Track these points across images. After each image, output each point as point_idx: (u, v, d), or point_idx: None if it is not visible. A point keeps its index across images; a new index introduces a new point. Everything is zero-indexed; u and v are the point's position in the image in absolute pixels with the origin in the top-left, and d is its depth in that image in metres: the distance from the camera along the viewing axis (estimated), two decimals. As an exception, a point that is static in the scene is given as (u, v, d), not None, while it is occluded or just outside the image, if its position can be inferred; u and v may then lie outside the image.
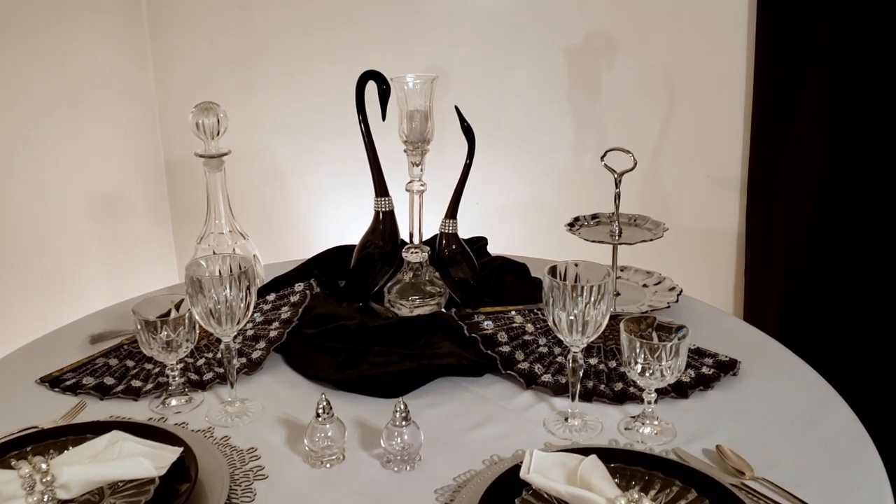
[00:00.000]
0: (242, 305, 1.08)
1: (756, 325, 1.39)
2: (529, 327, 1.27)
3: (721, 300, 2.03)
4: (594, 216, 1.48)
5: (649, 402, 1.05)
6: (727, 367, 1.18)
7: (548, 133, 2.06)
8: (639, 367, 1.02)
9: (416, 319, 1.29)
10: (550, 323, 1.05)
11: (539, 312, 1.30)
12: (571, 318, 1.03)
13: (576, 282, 1.04)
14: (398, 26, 2.06)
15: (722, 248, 2.01)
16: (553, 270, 1.05)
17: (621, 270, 1.48)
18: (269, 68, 2.17)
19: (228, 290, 1.07)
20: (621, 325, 1.04)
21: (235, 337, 1.18)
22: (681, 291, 1.41)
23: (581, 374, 1.06)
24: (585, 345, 1.05)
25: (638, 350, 1.02)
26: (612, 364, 1.19)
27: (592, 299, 1.01)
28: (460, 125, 1.28)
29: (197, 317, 1.08)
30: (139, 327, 1.12)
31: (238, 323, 1.09)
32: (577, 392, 1.06)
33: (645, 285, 1.47)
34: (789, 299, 1.89)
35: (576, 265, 1.07)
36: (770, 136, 1.85)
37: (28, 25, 1.91)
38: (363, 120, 1.30)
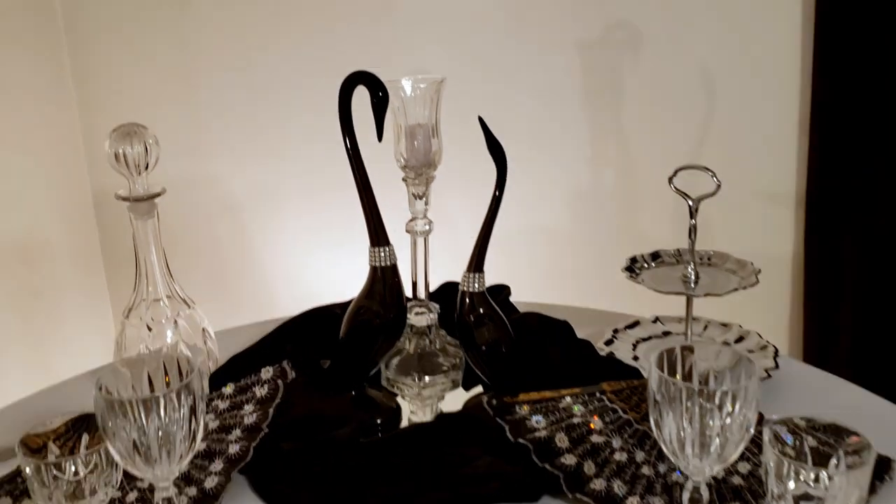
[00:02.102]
0: (183, 432, 0.70)
1: (821, 367, 1.09)
2: (596, 422, 0.90)
3: (774, 336, 1.69)
4: (655, 255, 1.12)
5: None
6: (879, 469, 0.83)
7: (558, 146, 1.71)
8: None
9: (433, 426, 0.93)
10: (664, 443, 0.69)
11: (604, 398, 0.94)
12: (695, 434, 0.67)
13: (705, 384, 0.68)
14: (374, 21, 1.69)
15: (774, 275, 1.67)
16: (662, 360, 0.69)
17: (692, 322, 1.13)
18: (216, 77, 1.78)
19: (163, 412, 0.69)
20: (766, 436, 0.68)
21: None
22: (777, 353, 1.07)
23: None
24: (714, 473, 0.69)
25: (799, 474, 0.66)
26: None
27: (737, 409, 0.66)
28: (487, 143, 0.92)
29: (114, 453, 0.70)
30: (27, 471, 0.73)
31: (180, 459, 0.71)
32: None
33: (726, 342, 1.12)
34: (864, 337, 1.56)
35: (690, 350, 0.71)
36: (836, 143, 1.52)
37: None
38: (351, 144, 0.92)
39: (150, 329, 1.04)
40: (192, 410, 0.70)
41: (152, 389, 0.74)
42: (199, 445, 0.90)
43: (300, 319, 1.15)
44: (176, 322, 1.06)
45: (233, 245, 1.85)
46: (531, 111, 1.69)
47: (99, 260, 1.93)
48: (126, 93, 1.80)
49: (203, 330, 1.06)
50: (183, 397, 0.69)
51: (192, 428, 0.71)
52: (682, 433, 0.66)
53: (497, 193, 0.93)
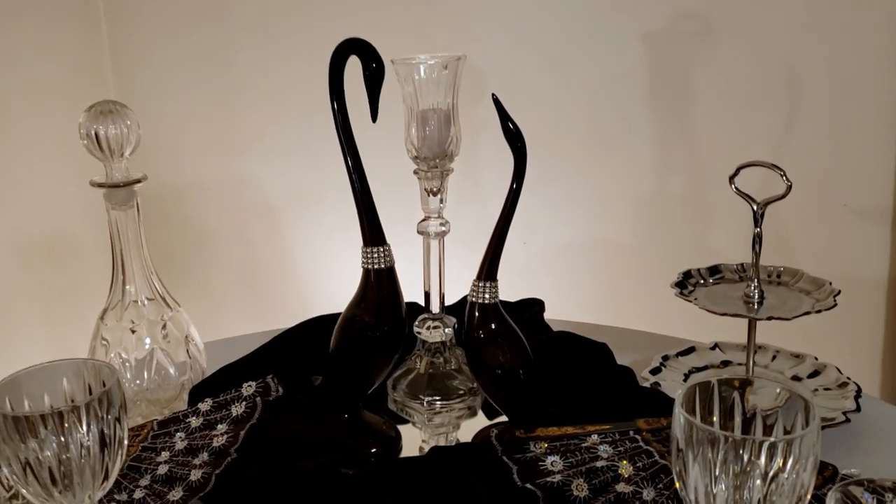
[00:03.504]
0: (96, 457, 0.58)
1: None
2: (625, 467, 0.74)
3: (858, 372, 1.47)
4: (714, 270, 0.95)
5: None
6: None
7: (620, 149, 1.54)
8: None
9: (425, 460, 0.78)
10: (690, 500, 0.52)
11: (639, 438, 0.78)
12: (729, 495, 0.50)
13: (747, 430, 0.52)
14: (418, 14, 1.56)
15: (861, 300, 1.46)
16: (693, 397, 0.53)
17: (756, 351, 0.95)
18: (252, 71, 1.68)
19: (71, 431, 0.57)
20: (832, 500, 0.51)
21: (138, 480, 0.69)
22: (859, 392, 0.88)
23: None
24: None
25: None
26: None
27: (788, 466, 0.49)
28: (502, 128, 0.77)
29: (7, 475, 0.58)
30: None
31: (98, 488, 0.59)
32: None
33: (797, 377, 0.94)
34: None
35: (733, 384, 0.54)
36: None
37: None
38: (342, 121, 0.79)
39: (133, 332, 0.93)
40: (103, 434, 0.58)
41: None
42: (160, 461, 0.79)
43: (294, 332, 1.02)
44: (165, 325, 0.94)
45: (266, 248, 1.74)
46: (587, 110, 1.53)
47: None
48: (162, 91, 1.72)
49: (186, 337, 0.94)
50: (88, 416, 0.57)
51: (105, 454, 0.58)
52: (710, 493, 0.50)
53: (514, 186, 0.77)
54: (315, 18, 1.58)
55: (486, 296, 0.80)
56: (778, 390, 0.55)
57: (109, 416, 0.59)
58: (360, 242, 0.83)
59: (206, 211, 1.73)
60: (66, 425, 0.57)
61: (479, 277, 0.80)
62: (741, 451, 0.49)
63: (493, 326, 0.81)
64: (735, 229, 1.52)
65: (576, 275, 1.59)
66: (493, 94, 0.76)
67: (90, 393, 0.63)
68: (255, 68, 1.65)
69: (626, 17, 1.47)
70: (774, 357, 0.98)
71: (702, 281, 0.94)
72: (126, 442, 0.61)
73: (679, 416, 0.51)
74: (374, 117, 0.77)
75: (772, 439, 0.49)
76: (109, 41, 1.73)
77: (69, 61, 1.68)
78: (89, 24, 1.74)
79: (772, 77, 1.43)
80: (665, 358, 0.98)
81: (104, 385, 0.61)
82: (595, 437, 0.78)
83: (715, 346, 1.01)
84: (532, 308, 1.05)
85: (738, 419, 0.55)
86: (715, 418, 0.55)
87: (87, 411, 0.58)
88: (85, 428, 0.58)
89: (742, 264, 0.95)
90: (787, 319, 0.82)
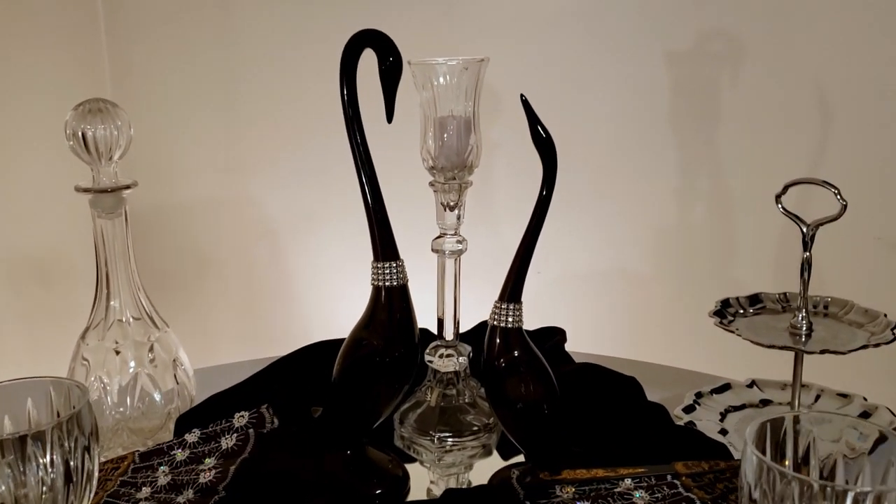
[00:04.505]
0: (59, 493, 0.49)
1: None
2: (664, 517, 0.65)
3: None
4: (754, 299, 0.87)
5: None
6: None
7: (641, 173, 1.46)
8: None
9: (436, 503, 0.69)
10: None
11: (677, 483, 0.69)
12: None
13: (831, 477, 0.44)
14: (435, 27, 1.50)
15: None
16: (764, 435, 0.45)
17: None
18: (256, 84, 1.62)
19: (30, 459, 0.49)
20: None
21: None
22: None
23: None
24: None
25: None
26: None
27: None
28: (531, 132, 0.69)
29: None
30: None
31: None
32: None
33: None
34: None
35: (797, 421, 0.46)
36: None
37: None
38: (353, 119, 0.71)
39: (117, 353, 0.85)
40: (69, 466, 0.49)
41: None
42: (140, 498, 0.70)
43: (300, 354, 0.93)
44: (152, 347, 0.86)
45: (266, 269, 1.66)
46: (607, 132, 1.45)
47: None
48: (163, 103, 1.65)
49: (175, 361, 0.85)
50: (52, 444, 0.48)
51: (70, 491, 0.50)
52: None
53: (544, 193, 0.69)
54: (323, 31, 1.52)
55: (510, 319, 0.72)
56: (853, 425, 0.47)
57: (77, 445, 0.50)
58: (367, 264, 0.75)
59: (203, 229, 1.66)
60: (26, 453, 0.49)
61: (501, 298, 0.72)
62: (827, 501, 0.41)
63: (515, 354, 0.72)
64: (759, 261, 1.45)
65: (592, 305, 1.51)
66: (521, 95, 0.69)
67: (59, 417, 0.54)
68: (260, 81, 1.58)
69: (650, 35, 1.40)
70: (818, 397, 0.89)
71: (741, 311, 0.86)
72: (96, 476, 0.52)
73: (752, 457, 0.43)
74: (389, 117, 0.69)
75: (867, 488, 0.41)
76: (109, 55, 1.67)
77: (67, 71, 1.62)
78: (87, 39, 1.68)
79: (802, 102, 1.35)
80: (699, 395, 0.90)
81: (74, 408, 0.53)
82: (628, 482, 0.70)
83: (752, 384, 0.92)
84: (552, 337, 0.97)
85: (815, 463, 0.46)
86: (788, 462, 0.46)
87: (51, 437, 0.49)
88: (48, 458, 0.50)
89: (785, 294, 0.87)
90: (843, 353, 0.74)
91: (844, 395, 0.88)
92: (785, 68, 1.35)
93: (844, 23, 1.31)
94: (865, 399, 0.88)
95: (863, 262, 1.38)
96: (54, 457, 0.49)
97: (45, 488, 0.50)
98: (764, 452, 0.46)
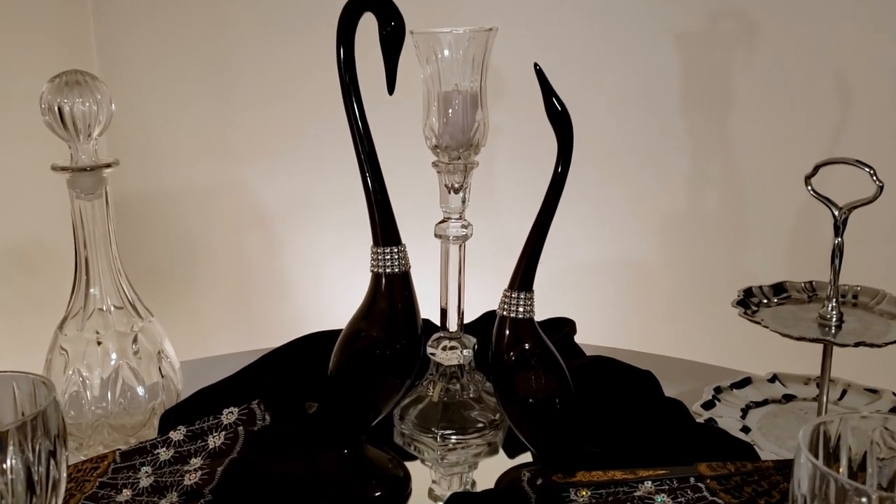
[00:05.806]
0: (20, 502, 0.44)
1: None
2: (689, 524, 0.60)
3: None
4: (778, 288, 0.82)
5: None
6: None
7: (649, 160, 1.41)
8: None
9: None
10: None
11: (702, 486, 0.64)
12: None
13: (891, 488, 0.38)
14: (436, 19, 1.44)
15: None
16: (816, 440, 0.39)
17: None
18: (250, 68, 1.56)
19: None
20: None
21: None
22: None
23: None
24: None
25: None
26: None
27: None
28: (545, 105, 0.64)
29: None
30: None
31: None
32: None
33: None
34: None
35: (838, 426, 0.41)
36: None
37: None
38: (350, 85, 0.65)
39: (98, 344, 0.79)
40: (30, 473, 0.44)
41: None
42: (121, 500, 0.65)
43: (294, 345, 0.88)
44: (136, 338, 0.80)
45: (261, 260, 1.61)
46: (615, 117, 1.40)
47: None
48: (153, 87, 1.59)
49: (159, 353, 0.80)
50: (13, 447, 0.43)
51: (32, 499, 0.44)
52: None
53: (559, 170, 0.64)
54: (319, 14, 1.46)
55: (521, 309, 0.66)
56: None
57: (41, 449, 0.45)
58: (365, 251, 0.69)
59: (193, 215, 1.60)
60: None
61: (511, 286, 0.67)
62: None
63: (526, 346, 0.67)
64: (772, 250, 1.40)
65: (599, 296, 1.46)
66: (535, 64, 0.63)
67: (23, 416, 0.49)
68: (254, 63, 1.53)
69: (660, 15, 1.34)
70: (845, 392, 0.84)
71: (765, 300, 0.80)
72: (63, 484, 0.47)
73: (806, 464, 0.38)
74: (390, 88, 0.64)
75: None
76: (96, 37, 1.61)
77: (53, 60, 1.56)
78: (73, 19, 1.62)
79: (818, 86, 1.30)
80: (718, 390, 0.84)
81: (38, 406, 0.47)
82: (649, 485, 0.64)
83: (774, 378, 0.87)
84: (561, 329, 0.92)
85: (873, 471, 0.41)
86: (842, 469, 0.41)
87: (11, 440, 0.44)
88: (9, 462, 0.44)
89: (811, 282, 0.82)
90: (879, 346, 0.69)
91: (873, 391, 0.83)
92: (800, 48, 1.30)
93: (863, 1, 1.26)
94: (895, 394, 0.83)
95: (889, 253, 1.33)
96: (14, 462, 0.44)
97: (1, 493, 0.44)
98: (817, 456, 0.40)
